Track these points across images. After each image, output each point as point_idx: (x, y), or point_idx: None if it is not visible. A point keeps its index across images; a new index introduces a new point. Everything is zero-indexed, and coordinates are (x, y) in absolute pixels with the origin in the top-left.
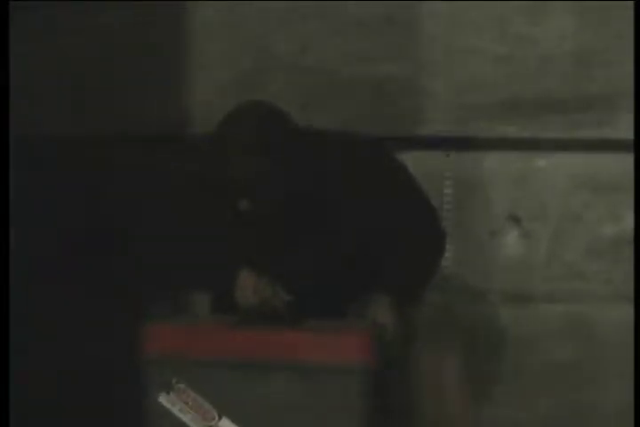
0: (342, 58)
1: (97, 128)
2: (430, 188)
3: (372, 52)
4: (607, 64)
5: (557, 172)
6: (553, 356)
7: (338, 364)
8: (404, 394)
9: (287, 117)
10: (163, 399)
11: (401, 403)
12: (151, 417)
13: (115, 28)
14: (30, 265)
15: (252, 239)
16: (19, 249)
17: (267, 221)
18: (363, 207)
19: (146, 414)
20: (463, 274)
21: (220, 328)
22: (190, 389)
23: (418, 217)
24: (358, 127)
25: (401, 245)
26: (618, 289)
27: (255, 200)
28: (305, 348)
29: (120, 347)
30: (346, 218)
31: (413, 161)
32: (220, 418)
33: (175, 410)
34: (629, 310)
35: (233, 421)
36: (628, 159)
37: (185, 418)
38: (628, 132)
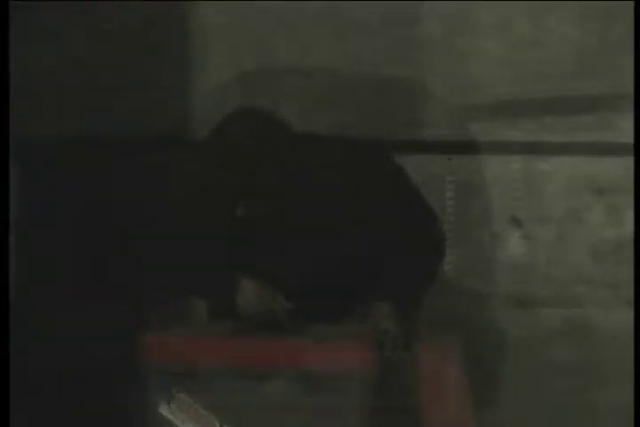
0: (343, 60)
1: (97, 128)
2: (432, 191)
3: (374, 54)
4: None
5: (559, 174)
6: (554, 358)
7: (339, 372)
8: (404, 396)
9: (284, 123)
10: (163, 409)
11: (401, 405)
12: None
13: (115, 28)
14: (30, 265)
15: (251, 244)
16: (18, 249)
17: (265, 226)
18: (362, 212)
19: (146, 424)
20: (465, 277)
21: (221, 338)
22: (191, 398)
23: (417, 221)
24: (359, 129)
25: (401, 249)
26: (620, 293)
27: (252, 204)
28: (306, 357)
29: (120, 353)
30: (344, 222)
31: (415, 165)
32: None
33: (176, 420)
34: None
35: None
36: (630, 161)
37: None
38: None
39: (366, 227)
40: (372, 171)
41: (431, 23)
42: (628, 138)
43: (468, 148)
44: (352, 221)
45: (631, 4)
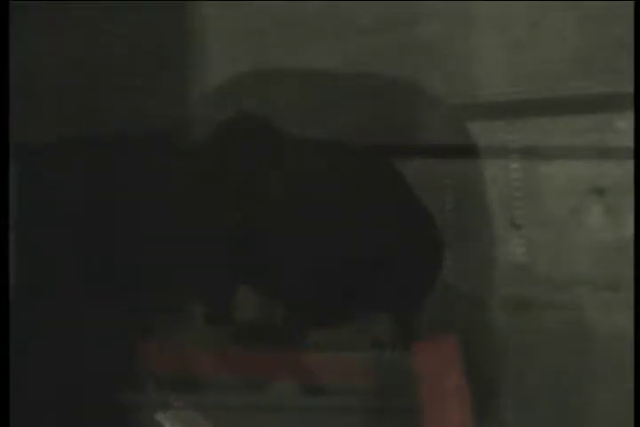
0: (342, 60)
1: (97, 128)
2: (431, 195)
3: (374, 55)
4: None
5: (559, 176)
6: (552, 362)
7: (339, 384)
8: (403, 397)
9: (283, 124)
10: (161, 418)
11: (400, 406)
12: None
13: (115, 28)
14: (30, 265)
15: (250, 246)
16: (18, 249)
17: (264, 228)
18: (360, 216)
19: None
20: (465, 282)
21: (220, 348)
22: (189, 408)
23: (414, 226)
24: (357, 131)
25: (399, 253)
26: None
27: (252, 206)
28: (306, 368)
29: (120, 354)
30: (344, 225)
31: (413, 168)
32: None
33: None
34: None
35: None
36: (630, 163)
37: None
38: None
39: (365, 230)
40: (370, 174)
41: (431, 23)
42: (629, 139)
43: (467, 150)
44: (351, 224)
45: (631, 4)
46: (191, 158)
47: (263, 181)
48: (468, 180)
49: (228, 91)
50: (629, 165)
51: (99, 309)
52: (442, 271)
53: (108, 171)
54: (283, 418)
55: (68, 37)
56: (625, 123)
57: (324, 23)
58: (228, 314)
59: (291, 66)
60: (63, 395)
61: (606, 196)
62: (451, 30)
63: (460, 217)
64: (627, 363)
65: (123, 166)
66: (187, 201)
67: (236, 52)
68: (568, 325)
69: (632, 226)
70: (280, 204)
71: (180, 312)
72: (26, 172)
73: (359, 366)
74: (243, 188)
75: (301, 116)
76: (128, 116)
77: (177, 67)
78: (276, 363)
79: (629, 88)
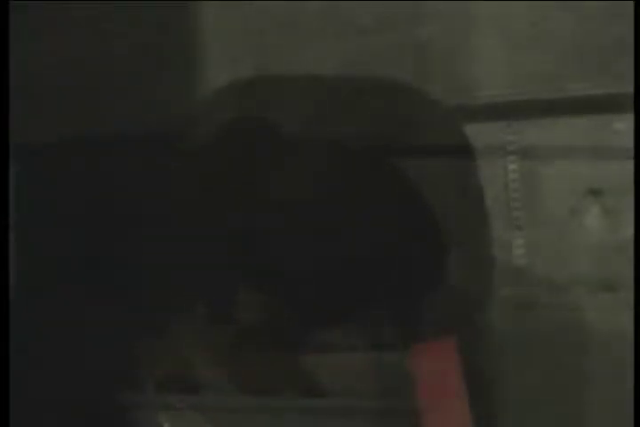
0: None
1: (97, 128)
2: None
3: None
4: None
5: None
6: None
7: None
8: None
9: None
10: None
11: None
12: None
13: (115, 28)
14: (30, 265)
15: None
16: (18, 249)
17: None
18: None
19: None
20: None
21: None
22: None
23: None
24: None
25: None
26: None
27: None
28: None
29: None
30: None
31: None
32: None
33: None
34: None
35: None
36: (630, 163)
37: None
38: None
39: (366, 230)
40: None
41: (430, 23)
42: (627, 140)
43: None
44: (352, 224)
45: (631, 4)
46: (191, 158)
47: (263, 181)
48: (466, 180)
49: (228, 92)
50: (628, 166)
51: (98, 308)
52: (443, 272)
53: (108, 171)
54: (282, 420)
55: (67, 37)
56: (624, 124)
57: (324, 23)
58: (230, 314)
59: (290, 68)
60: (63, 395)
61: (605, 196)
62: (450, 30)
63: (459, 218)
64: (625, 363)
65: (123, 166)
66: (187, 201)
67: (236, 52)
68: (567, 325)
69: (631, 226)
70: (280, 203)
71: (182, 312)
72: (26, 172)
73: (359, 367)
74: (243, 188)
75: (300, 118)
76: (128, 116)
77: (177, 67)
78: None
79: (629, 89)
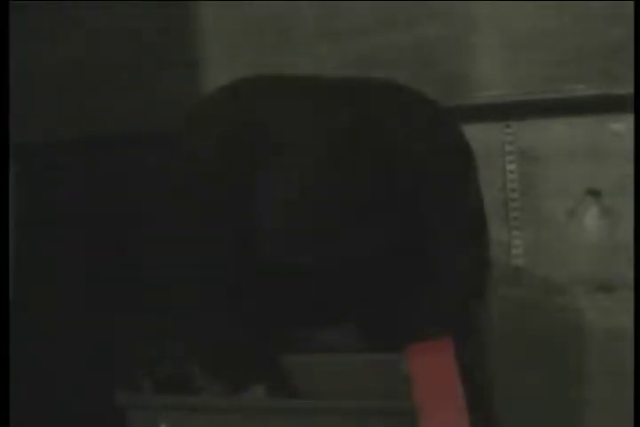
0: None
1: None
2: None
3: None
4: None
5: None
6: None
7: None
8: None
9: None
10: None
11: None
12: None
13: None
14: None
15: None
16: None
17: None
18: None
19: None
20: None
21: None
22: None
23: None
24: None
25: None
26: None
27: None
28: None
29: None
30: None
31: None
32: None
33: None
34: None
35: None
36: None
37: None
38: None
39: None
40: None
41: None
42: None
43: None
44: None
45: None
46: (191, 158)
47: (263, 181)
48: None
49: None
50: (626, 167)
51: (98, 307)
52: (441, 272)
53: (108, 171)
54: (280, 420)
55: (68, 37)
56: (622, 125)
57: (324, 23)
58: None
59: (290, 68)
60: (63, 395)
61: (603, 197)
62: (450, 30)
63: (458, 218)
64: (624, 362)
65: (123, 166)
66: (188, 200)
67: (236, 51)
68: (565, 325)
69: (629, 227)
70: (281, 203)
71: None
72: (26, 172)
73: (353, 368)
74: (242, 188)
75: (298, 119)
76: (128, 116)
77: (177, 67)
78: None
79: (627, 90)
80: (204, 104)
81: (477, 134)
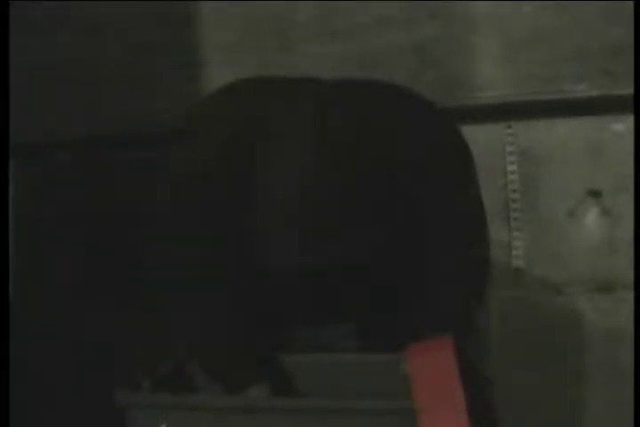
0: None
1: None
2: None
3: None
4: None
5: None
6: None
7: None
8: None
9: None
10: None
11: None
12: None
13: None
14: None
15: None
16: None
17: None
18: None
19: None
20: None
21: None
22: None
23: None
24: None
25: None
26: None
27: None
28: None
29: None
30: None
31: None
32: None
33: None
34: None
35: None
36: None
37: None
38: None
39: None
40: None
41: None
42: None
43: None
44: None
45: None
46: (191, 158)
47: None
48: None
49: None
50: (627, 168)
51: (98, 307)
52: (442, 272)
53: (108, 171)
54: (281, 419)
55: (68, 37)
56: (622, 125)
57: (324, 23)
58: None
59: (290, 68)
60: (63, 394)
61: (604, 198)
62: (450, 30)
63: (458, 219)
64: (624, 362)
65: (123, 166)
66: (188, 200)
67: (236, 52)
68: (565, 325)
69: (628, 227)
70: (280, 203)
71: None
72: (26, 172)
73: (353, 368)
74: (242, 188)
75: (298, 119)
76: (128, 115)
77: (177, 66)
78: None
79: (628, 91)
80: (204, 104)
81: (478, 135)
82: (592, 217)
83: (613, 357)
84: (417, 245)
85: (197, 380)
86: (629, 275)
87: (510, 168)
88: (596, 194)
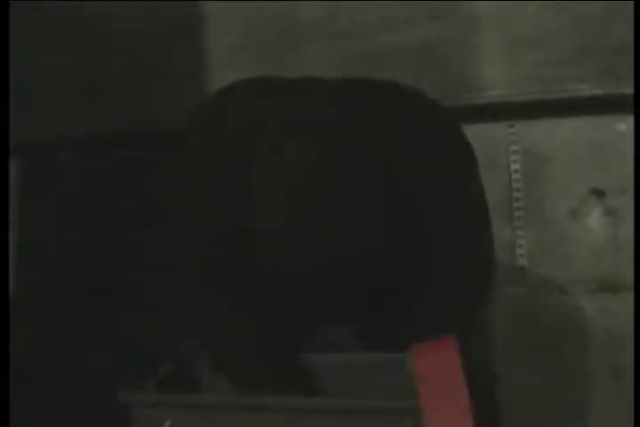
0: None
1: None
2: None
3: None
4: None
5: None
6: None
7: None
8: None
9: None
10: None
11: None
12: None
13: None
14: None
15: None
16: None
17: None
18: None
19: None
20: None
21: None
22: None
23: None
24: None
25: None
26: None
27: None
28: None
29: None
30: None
31: None
32: None
33: None
34: None
35: None
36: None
37: None
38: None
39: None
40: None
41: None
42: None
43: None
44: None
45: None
46: (192, 158)
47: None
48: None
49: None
50: (630, 167)
51: (98, 307)
52: (443, 272)
53: (108, 170)
54: (282, 419)
55: (68, 37)
56: (626, 125)
57: (324, 23)
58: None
59: (290, 68)
60: (63, 394)
61: (607, 197)
62: (450, 30)
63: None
64: (625, 362)
65: (123, 166)
66: (188, 200)
67: (237, 52)
68: (567, 325)
69: (632, 227)
70: (281, 202)
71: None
72: (26, 172)
73: (358, 367)
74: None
75: (298, 119)
76: (129, 116)
77: (179, 66)
78: None
79: (631, 90)
80: (205, 104)
81: (481, 134)
82: (595, 217)
83: (616, 356)
84: (418, 245)
85: (201, 379)
86: (633, 275)
87: (514, 167)
88: (599, 193)
